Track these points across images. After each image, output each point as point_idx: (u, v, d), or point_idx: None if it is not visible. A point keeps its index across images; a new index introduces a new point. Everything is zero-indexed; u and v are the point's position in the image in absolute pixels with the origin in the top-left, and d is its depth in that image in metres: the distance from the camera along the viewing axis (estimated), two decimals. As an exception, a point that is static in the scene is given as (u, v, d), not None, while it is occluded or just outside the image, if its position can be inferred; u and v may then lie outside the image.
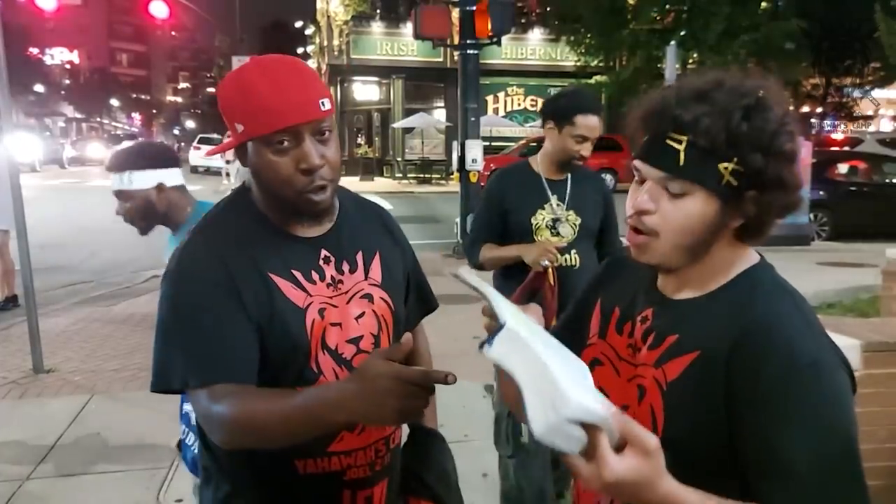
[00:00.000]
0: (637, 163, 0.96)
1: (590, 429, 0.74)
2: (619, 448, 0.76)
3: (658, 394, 0.95)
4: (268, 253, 1.16)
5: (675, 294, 1.00)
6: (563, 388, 0.73)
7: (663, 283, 1.02)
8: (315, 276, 1.19)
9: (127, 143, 2.19)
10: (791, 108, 0.95)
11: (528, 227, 2.42)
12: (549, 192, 2.45)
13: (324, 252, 1.21)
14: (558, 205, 2.44)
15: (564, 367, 0.80)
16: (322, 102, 1.10)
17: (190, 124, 74.71)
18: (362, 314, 1.22)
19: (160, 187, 1.97)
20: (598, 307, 1.12)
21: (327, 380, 1.17)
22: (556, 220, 2.42)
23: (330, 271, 1.21)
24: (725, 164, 0.89)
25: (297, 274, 1.17)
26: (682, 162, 0.90)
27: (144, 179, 1.95)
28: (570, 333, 1.15)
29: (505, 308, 0.85)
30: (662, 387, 0.95)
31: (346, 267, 1.23)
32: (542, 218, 2.43)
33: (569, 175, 2.48)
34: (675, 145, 0.90)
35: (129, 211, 2.00)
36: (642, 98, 0.99)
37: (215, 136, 29.61)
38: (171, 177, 1.99)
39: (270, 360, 1.15)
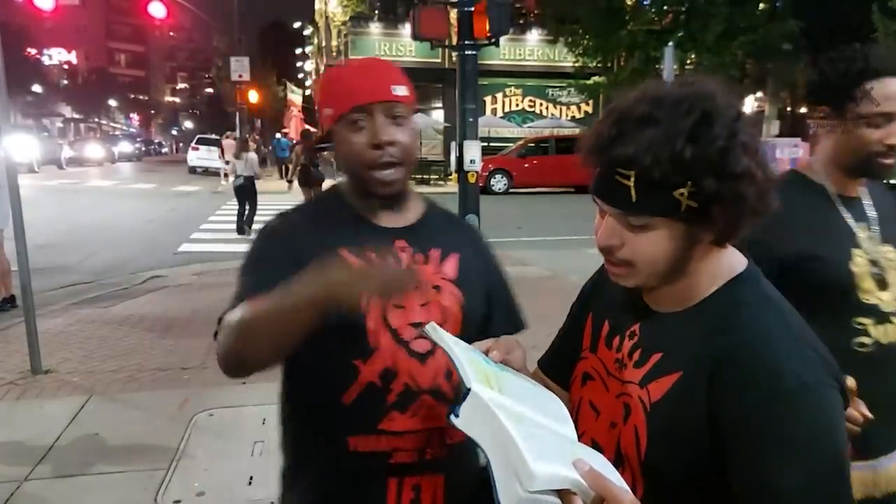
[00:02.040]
0: (594, 196, 0.93)
1: (563, 493, 0.73)
2: None
3: (642, 414, 0.93)
4: (344, 234, 1.24)
5: (659, 307, 0.98)
6: (528, 462, 0.72)
7: (647, 295, 0.99)
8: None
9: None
10: (743, 106, 0.91)
11: (844, 281, 1.45)
12: (851, 218, 1.50)
13: (400, 242, 1.28)
14: (870, 237, 1.50)
15: (534, 429, 0.78)
16: (395, 88, 1.22)
17: (188, 125, 74.72)
18: (426, 303, 1.25)
19: None
20: (589, 319, 1.11)
21: (383, 356, 1.20)
22: (875, 264, 1.47)
23: (406, 259, 1.26)
24: (681, 191, 0.85)
25: (371, 255, 1.22)
26: (634, 198, 0.86)
27: None
28: (567, 346, 1.14)
29: (471, 370, 0.83)
30: (646, 407, 0.93)
31: (420, 259, 1.28)
32: (861, 262, 1.46)
33: (865, 186, 1.56)
34: (625, 181, 0.86)
35: None
36: (589, 128, 0.94)
37: (213, 136, 29.63)
38: None
39: (329, 327, 1.13)
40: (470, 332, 1.25)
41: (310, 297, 1.01)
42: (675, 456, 0.89)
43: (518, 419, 0.78)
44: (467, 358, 0.87)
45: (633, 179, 0.86)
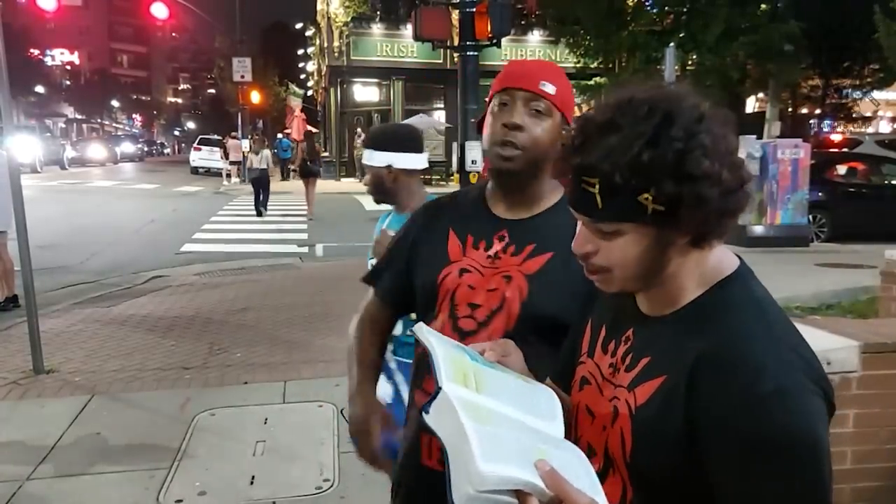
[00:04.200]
0: (568, 206, 0.94)
1: (519, 493, 0.74)
2: None
3: (628, 418, 0.93)
4: (460, 215, 1.44)
5: (651, 311, 0.97)
6: (477, 462, 0.73)
7: (639, 300, 0.99)
8: (482, 244, 1.38)
9: (387, 123, 2.56)
10: (711, 108, 0.88)
11: None
12: None
13: (502, 232, 1.38)
14: None
15: (499, 429, 0.79)
16: (543, 83, 1.31)
17: (190, 125, 74.78)
18: (494, 290, 1.33)
19: (389, 168, 2.18)
20: (588, 325, 1.11)
21: (438, 323, 1.36)
22: None
23: (497, 247, 1.36)
24: (645, 195, 0.84)
25: (469, 237, 1.39)
26: (600, 205, 0.87)
27: (377, 158, 2.20)
28: (570, 353, 1.15)
29: (447, 368, 0.85)
30: (632, 411, 0.93)
31: (511, 250, 1.36)
32: None
33: None
34: (590, 189, 0.87)
35: (367, 182, 2.28)
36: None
37: (216, 136, 29.66)
38: (401, 160, 2.18)
39: (420, 290, 1.43)
40: (527, 330, 1.29)
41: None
42: (657, 460, 0.88)
43: (483, 419, 0.79)
44: (448, 356, 0.89)
45: (597, 187, 0.86)
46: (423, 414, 0.81)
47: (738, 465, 0.81)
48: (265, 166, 14.01)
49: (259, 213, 13.85)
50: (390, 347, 2.14)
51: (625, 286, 0.94)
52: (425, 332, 0.95)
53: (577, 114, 1.11)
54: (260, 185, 13.91)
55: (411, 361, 2.09)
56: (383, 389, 2.16)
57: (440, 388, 0.81)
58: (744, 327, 0.87)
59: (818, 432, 0.82)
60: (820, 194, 9.89)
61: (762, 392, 0.81)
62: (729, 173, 0.86)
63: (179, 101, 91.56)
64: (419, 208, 1.56)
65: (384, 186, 2.20)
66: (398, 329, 2.11)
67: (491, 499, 0.73)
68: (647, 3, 17.85)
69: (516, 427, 0.83)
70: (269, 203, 14.16)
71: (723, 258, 0.95)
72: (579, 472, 0.79)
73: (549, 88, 1.31)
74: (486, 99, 1.41)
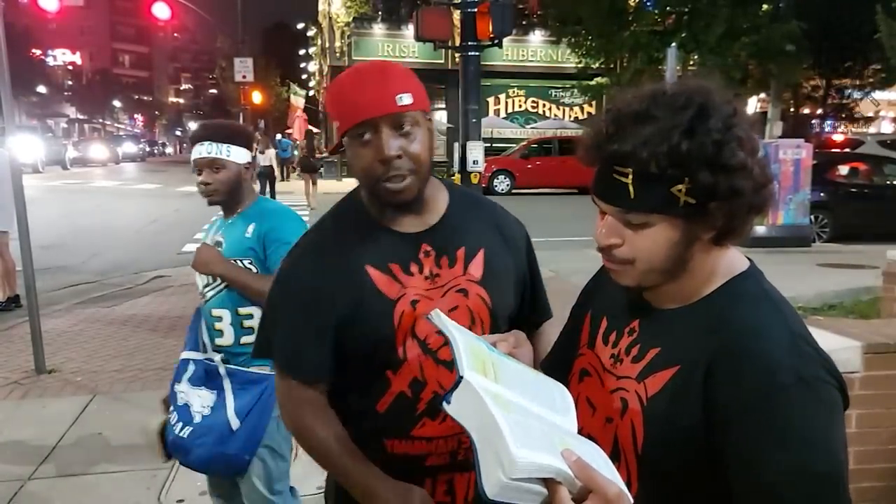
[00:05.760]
0: (593, 197, 0.94)
1: (549, 481, 0.73)
2: (583, 497, 0.74)
3: (639, 408, 0.93)
4: (367, 247, 1.24)
5: (660, 304, 0.98)
6: (511, 448, 0.72)
7: (648, 293, 1.00)
8: (413, 268, 1.24)
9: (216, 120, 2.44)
10: (745, 106, 0.89)
11: None
12: None
13: (425, 246, 1.26)
14: None
15: (524, 418, 0.79)
16: (400, 98, 1.16)
17: (192, 125, 74.84)
18: (455, 308, 1.25)
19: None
20: (588, 317, 1.11)
21: (411, 367, 1.22)
22: None
23: (429, 265, 1.25)
24: (678, 187, 0.85)
25: (394, 267, 1.23)
26: (633, 195, 0.87)
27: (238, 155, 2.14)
28: (567, 345, 1.15)
29: (468, 357, 0.84)
30: (643, 401, 0.93)
31: (444, 262, 1.26)
32: None
33: None
34: (622, 179, 0.87)
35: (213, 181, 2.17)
36: (587, 126, 0.95)
37: (217, 137, 29.68)
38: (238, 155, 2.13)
39: (360, 346, 1.23)
40: (499, 328, 1.28)
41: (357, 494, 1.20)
42: (671, 449, 0.89)
43: (508, 407, 0.79)
44: (468, 345, 0.88)
45: (630, 176, 0.87)
46: (445, 404, 0.80)
47: (757, 454, 0.82)
48: (269, 163, 16.00)
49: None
50: (220, 356, 2.09)
51: (644, 280, 0.94)
52: (444, 321, 0.94)
53: (581, 114, 1.10)
54: (266, 178, 15.77)
55: (244, 369, 2.04)
56: (203, 398, 2.09)
57: (461, 377, 0.81)
58: (761, 320, 0.88)
59: (836, 423, 0.84)
60: (822, 194, 9.87)
61: (783, 383, 0.82)
62: (759, 169, 0.88)
63: (181, 101, 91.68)
64: (297, 255, 1.30)
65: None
66: (229, 339, 2.08)
67: (522, 486, 0.72)
68: (648, 3, 17.86)
69: (538, 417, 0.83)
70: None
71: (734, 258, 0.96)
72: (600, 463, 0.79)
73: (407, 99, 1.16)
74: (337, 131, 1.25)
